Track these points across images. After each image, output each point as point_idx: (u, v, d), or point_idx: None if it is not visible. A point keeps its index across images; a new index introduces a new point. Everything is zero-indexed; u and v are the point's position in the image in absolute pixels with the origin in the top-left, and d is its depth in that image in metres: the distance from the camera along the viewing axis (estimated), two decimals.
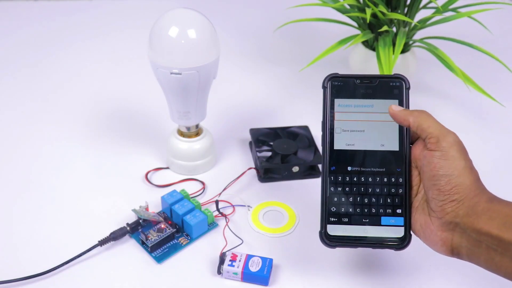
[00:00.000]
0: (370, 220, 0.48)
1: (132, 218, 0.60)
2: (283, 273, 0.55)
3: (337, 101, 0.50)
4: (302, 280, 0.54)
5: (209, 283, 0.54)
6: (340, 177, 0.49)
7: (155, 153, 0.71)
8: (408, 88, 0.50)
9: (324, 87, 0.50)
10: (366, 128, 0.50)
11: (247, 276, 0.53)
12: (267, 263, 0.54)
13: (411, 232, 0.48)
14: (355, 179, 0.49)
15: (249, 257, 0.55)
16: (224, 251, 0.56)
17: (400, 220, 0.48)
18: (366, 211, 0.48)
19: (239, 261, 0.54)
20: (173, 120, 0.65)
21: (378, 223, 0.48)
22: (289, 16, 0.90)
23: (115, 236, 0.57)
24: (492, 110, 0.79)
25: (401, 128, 0.49)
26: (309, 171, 0.68)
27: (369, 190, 0.49)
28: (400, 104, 0.50)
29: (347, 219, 0.48)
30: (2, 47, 0.98)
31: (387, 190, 0.48)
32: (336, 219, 0.48)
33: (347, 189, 0.49)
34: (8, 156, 0.72)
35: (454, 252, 0.45)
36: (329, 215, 0.49)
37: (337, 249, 0.50)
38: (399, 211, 0.48)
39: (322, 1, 0.81)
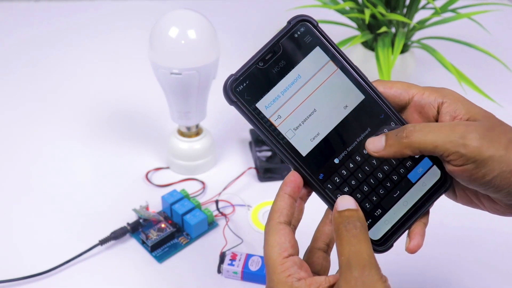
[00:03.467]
0: (400, 189, 0.39)
1: (133, 218, 0.61)
2: None
3: (261, 104, 0.37)
4: None
5: (209, 282, 0.54)
6: (336, 178, 0.38)
7: (155, 153, 0.72)
8: (316, 25, 0.38)
9: (233, 102, 0.37)
10: (315, 105, 0.38)
11: (247, 275, 0.54)
12: None
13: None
14: (351, 165, 0.38)
15: (249, 256, 0.55)
16: (224, 250, 0.57)
17: (427, 162, 0.39)
18: (388, 185, 0.39)
19: (239, 260, 0.54)
20: (173, 120, 0.66)
21: (410, 185, 0.39)
22: (289, 17, 0.90)
23: (116, 235, 0.57)
24: (490, 110, 0.80)
25: (349, 74, 0.38)
26: None
27: (374, 162, 0.39)
28: (324, 49, 0.38)
29: (379, 210, 0.39)
30: (3, 47, 0.98)
31: None
32: (370, 220, 0.39)
33: (353, 182, 0.38)
34: (8, 156, 0.72)
35: None
36: None
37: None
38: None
39: (322, 3, 0.81)
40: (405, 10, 0.79)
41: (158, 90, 0.66)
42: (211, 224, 0.60)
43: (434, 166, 0.39)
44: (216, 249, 0.57)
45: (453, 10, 0.78)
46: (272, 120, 0.38)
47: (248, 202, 0.64)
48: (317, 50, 0.38)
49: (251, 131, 0.72)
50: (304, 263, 0.36)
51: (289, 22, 0.38)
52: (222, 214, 0.62)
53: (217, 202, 0.63)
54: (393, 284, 0.36)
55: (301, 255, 0.38)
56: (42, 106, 0.82)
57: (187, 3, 0.89)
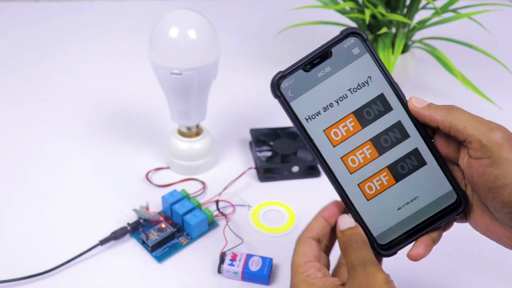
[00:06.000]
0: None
1: (133, 218, 0.61)
2: (283, 272, 0.55)
3: (301, 103, 0.40)
4: None
5: (210, 282, 0.54)
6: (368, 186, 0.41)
7: (155, 153, 0.72)
8: (366, 40, 0.40)
9: (278, 96, 0.41)
10: (350, 111, 0.41)
11: (247, 275, 0.54)
12: (267, 263, 0.54)
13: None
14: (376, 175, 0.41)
15: (249, 256, 0.55)
16: (224, 250, 0.56)
17: (446, 185, 0.41)
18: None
19: (239, 260, 0.54)
20: (173, 120, 0.66)
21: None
22: (289, 17, 0.90)
23: (116, 235, 0.57)
24: (491, 111, 0.80)
25: (388, 90, 0.40)
26: (309, 171, 0.68)
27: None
28: (368, 63, 0.40)
29: None
30: (3, 47, 0.98)
31: (412, 166, 0.41)
32: None
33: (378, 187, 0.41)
34: (8, 156, 0.72)
35: None
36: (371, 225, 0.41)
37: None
38: None
39: (322, 3, 0.81)
40: (405, 10, 0.79)
41: (158, 90, 0.66)
42: (211, 224, 0.60)
43: (452, 190, 0.40)
44: (216, 249, 0.57)
45: (453, 10, 0.78)
46: (307, 118, 0.40)
47: (248, 202, 0.64)
48: (362, 63, 0.40)
49: (251, 131, 0.72)
50: (323, 268, 0.40)
51: (341, 33, 0.40)
52: (222, 214, 0.62)
53: (217, 202, 0.63)
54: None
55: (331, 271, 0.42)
56: (42, 106, 0.82)
57: (187, 3, 0.89)
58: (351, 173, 0.41)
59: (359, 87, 0.40)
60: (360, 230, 0.40)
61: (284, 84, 0.40)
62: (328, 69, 0.40)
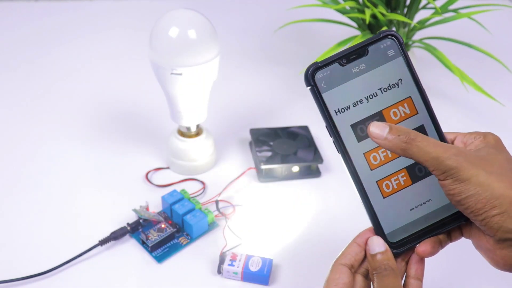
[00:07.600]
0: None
1: (133, 218, 0.61)
2: (283, 273, 0.55)
3: (332, 95, 0.41)
4: (302, 280, 0.54)
5: (209, 282, 0.54)
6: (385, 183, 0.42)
7: (155, 153, 0.72)
8: (402, 43, 0.41)
9: (310, 85, 0.41)
10: (378, 110, 0.42)
11: (247, 275, 0.54)
12: (267, 263, 0.54)
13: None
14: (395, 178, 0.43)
15: (249, 257, 0.55)
16: (224, 250, 0.56)
17: None
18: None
19: (239, 260, 0.54)
20: (173, 120, 0.66)
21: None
22: (289, 17, 0.90)
23: (116, 235, 0.57)
24: (492, 109, 0.80)
25: (414, 93, 0.42)
26: (309, 171, 0.68)
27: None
28: (401, 66, 0.41)
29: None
30: (3, 47, 0.98)
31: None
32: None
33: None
34: (8, 155, 0.72)
35: None
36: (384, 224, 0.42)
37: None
38: None
39: (322, 2, 0.81)
40: (405, 10, 0.79)
41: (158, 90, 0.65)
42: (211, 224, 0.60)
43: None
44: (216, 249, 0.57)
45: (453, 10, 0.78)
46: (336, 111, 0.41)
47: (248, 202, 0.64)
48: (395, 65, 0.41)
49: (251, 131, 0.72)
50: None
51: (379, 33, 0.41)
52: (222, 214, 0.62)
53: (217, 202, 0.63)
54: None
55: None
56: (42, 106, 0.82)
57: (187, 3, 0.89)
58: (371, 170, 0.42)
59: (389, 88, 0.41)
60: (390, 255, 0.41)
61: (319, 75, 0.41)
62: (363, 66, 0.41)
